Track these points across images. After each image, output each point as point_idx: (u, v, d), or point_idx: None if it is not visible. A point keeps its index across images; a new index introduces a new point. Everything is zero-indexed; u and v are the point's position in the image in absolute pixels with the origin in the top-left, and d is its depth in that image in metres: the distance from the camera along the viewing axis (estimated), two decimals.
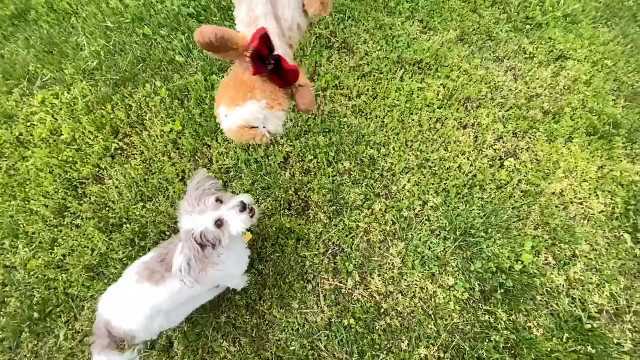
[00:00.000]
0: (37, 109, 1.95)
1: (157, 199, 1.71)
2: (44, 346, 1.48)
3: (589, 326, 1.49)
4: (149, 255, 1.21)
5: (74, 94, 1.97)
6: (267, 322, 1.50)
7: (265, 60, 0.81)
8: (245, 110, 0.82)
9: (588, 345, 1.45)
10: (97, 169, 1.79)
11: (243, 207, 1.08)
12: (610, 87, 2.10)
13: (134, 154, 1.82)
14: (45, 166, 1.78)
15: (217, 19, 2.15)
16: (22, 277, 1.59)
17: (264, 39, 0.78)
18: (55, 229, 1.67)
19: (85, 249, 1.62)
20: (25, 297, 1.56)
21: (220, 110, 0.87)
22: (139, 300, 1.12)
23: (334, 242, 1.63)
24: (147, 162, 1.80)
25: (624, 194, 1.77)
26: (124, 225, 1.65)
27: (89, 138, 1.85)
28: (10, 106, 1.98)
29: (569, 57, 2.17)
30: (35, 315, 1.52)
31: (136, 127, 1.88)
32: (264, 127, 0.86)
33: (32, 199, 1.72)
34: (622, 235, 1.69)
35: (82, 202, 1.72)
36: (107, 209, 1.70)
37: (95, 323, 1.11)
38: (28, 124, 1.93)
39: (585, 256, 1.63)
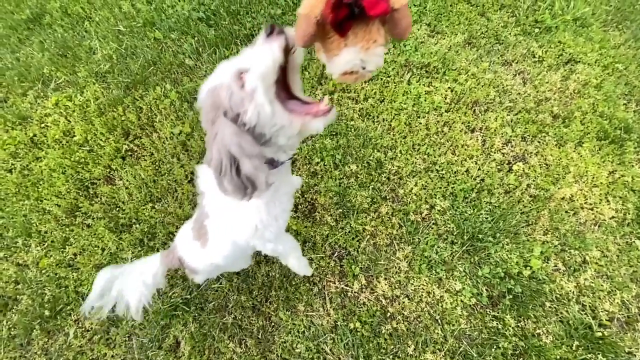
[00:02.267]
0: (51, 111, 2.00)
1: (166, 200, 1.74)
2: (54, 344, 1.51)
3: (599, 334, 1.47)
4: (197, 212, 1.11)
5: (87, 97, 2.02)
6: (273, 324, 1.51)
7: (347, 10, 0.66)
8: (342, 60, 0.74)
9: (599, 353, 1.43)
10: (108, 170, 1.83)
11: (271, 29, 0.67)
12: (621, 91, 2.07)
13: (144, 156, 1.85)
14: (58, 167, 1.82)
15: (227, 22, 2.19)
16: (34, 276, 1.63)
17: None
18: (67, 229, 1.70)
19: (95, 248, 1.65)
20: (36, 295, 1.59)
21: (321, 57, 0.80)
22: (197, 255, 1.11)
23: (340, 245, 1.63)
24: (157, 163, 1.82)
25: (635, 200, 1.74)
26: (134, 225, 1.68)
27: (101, 140, 1.88)
28: (25, 108, 2.03)
29: (579, 61, 2.15)
30: (46, 313, 1.54)
31: (146, 129, 1.92)
32: (364, 69, 0.76)
33: (45, 199, 1.76)
34: (633, 241, 1.66)
35: (93, 202, 1.75)
36: (117, 209, 1.73)
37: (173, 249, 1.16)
38: (42, 125, 1.98)
39: (596, 263, 1.61)
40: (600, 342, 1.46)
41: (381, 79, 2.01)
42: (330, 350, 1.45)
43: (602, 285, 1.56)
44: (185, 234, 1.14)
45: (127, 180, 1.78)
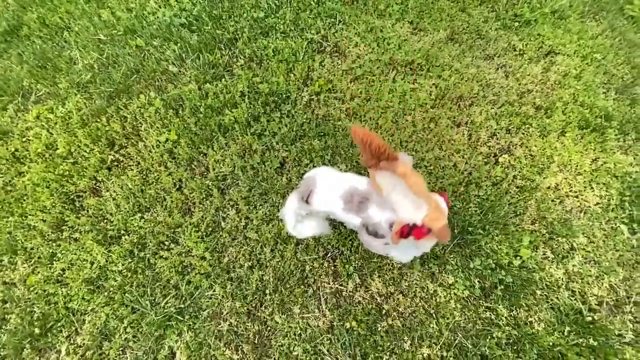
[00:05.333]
0: (32, 124, 1.96)
1: (155, 210, 1.71)
2: None
3: (589, 319, 1.50)
4: (361, 184, 1.26)
5: (69, 108, 1.98)
6: (269, 328, 1.50)
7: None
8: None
9: (590, 337, 1.46)
10: (94, 181, 1.80)
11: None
12: (600, 80, 2.13)
13: (130, 165, 1.82)
14: (42, 181, 1.78)
15: (209, 27, 2.17)
16: (22, 293, 1.59)
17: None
18: (54, 244, 1.66)
19: (84, 262, 1.62)
20: (25, 313, 1.55)
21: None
22: (334, 206, 1.28)
23: (333, 245, 1.64)
24: (144, 172, 1.80)
25: (618, 186, 1.79)
26: (123, 237, 1.65)
27: (85, 151, 1.85)
28: (5, 122, 1.99)
29: (559, 53, 2.20)
30: (36, 331, 1.51)
31: (132, 138, 1.89)
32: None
33: (29, 215, 1.72)
34: (618, 226, 1.70)
35: (79, 215, 1.72)
36: (105, 221, 1.70)
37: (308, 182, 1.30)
38: (23, 139, 1.93)
39: (583, 249, 1.64)
40: (591, 326, 1.49)
41: (366, 78, 2.02)
42: (328, 350, 1.46)
43: (590, 270, 1.60)
44: (333, 180, 1.30)
45: (114, 191, 1.75)
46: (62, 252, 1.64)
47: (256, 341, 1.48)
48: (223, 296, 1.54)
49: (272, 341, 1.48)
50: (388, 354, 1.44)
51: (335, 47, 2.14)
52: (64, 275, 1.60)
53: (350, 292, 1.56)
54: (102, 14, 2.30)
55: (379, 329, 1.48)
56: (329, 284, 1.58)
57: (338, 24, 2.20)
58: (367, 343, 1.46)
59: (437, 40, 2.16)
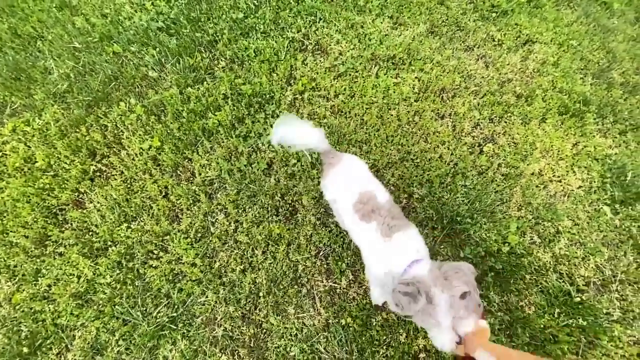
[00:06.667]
0: (9, 138, 1.90)
1: (141, 218, 1.68)
2: None
3: (578, 299, 1.54)
4: (384, 199, 1.23)
5: (46, 119, 1.93)
6: (264, 330, 1.49)
7: None
8: None
9: (579, 317, 1.49)
10: (76, 193, 1.75)
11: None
12: (577, 66, 2.18)
13: (113, 175, 1.78)
14: (21, 196, 1.73)
15: (188, 30, 2.14)
16: (8, 313, 1.54)
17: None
18: (38, 260, 1.62)
19: (70, 277, 1.57)
20: (12, 332, 1.50)
21: None
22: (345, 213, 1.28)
23: (325, 243, 1.63)
24: (128, 181, 1.76)
25: (599, 168, 1.83)
26: (110, 248, 1.61)
27: (65, 163, 1.80)
28: None
29: (536, 41, 2.24)
30: (25, 350, 1.47)
31: (114, 147, 1.85)
32: None
33: (10, 231, 1.67)
34: (601, 208, 1.75)
35: (63, 229, 1.67)
36: (90, 233, 1.66)
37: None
38: (0, 154, 1.87)
39: (569, 232, 1.68)
40: (580, 306, 1.53)
41: (349, 75, 2.02)
42: (325, 348, 1.45)
43: (576, 252, 1.64)
44: (358, 172, 1.31)
45: (98, 202, 1.71)
46: (47, 267, 1.60)
47: (252, 344, 1.47)
48: (216, 302, 1.52)
49: (268, 343, 1.47)
50: (384, 347, 1.45)
51: (317, 45, 2.13)
52: (50, 291, 1.56)
53: (344, 288, 1.56)
54: (75, 21, 2.24)
55: (374, 324, 1.49)
56: (323, 282, 1.57)
57: (319, 22, 2.19)
58: (364, 338, 1.46)
59: (417, 33, 2.18)
